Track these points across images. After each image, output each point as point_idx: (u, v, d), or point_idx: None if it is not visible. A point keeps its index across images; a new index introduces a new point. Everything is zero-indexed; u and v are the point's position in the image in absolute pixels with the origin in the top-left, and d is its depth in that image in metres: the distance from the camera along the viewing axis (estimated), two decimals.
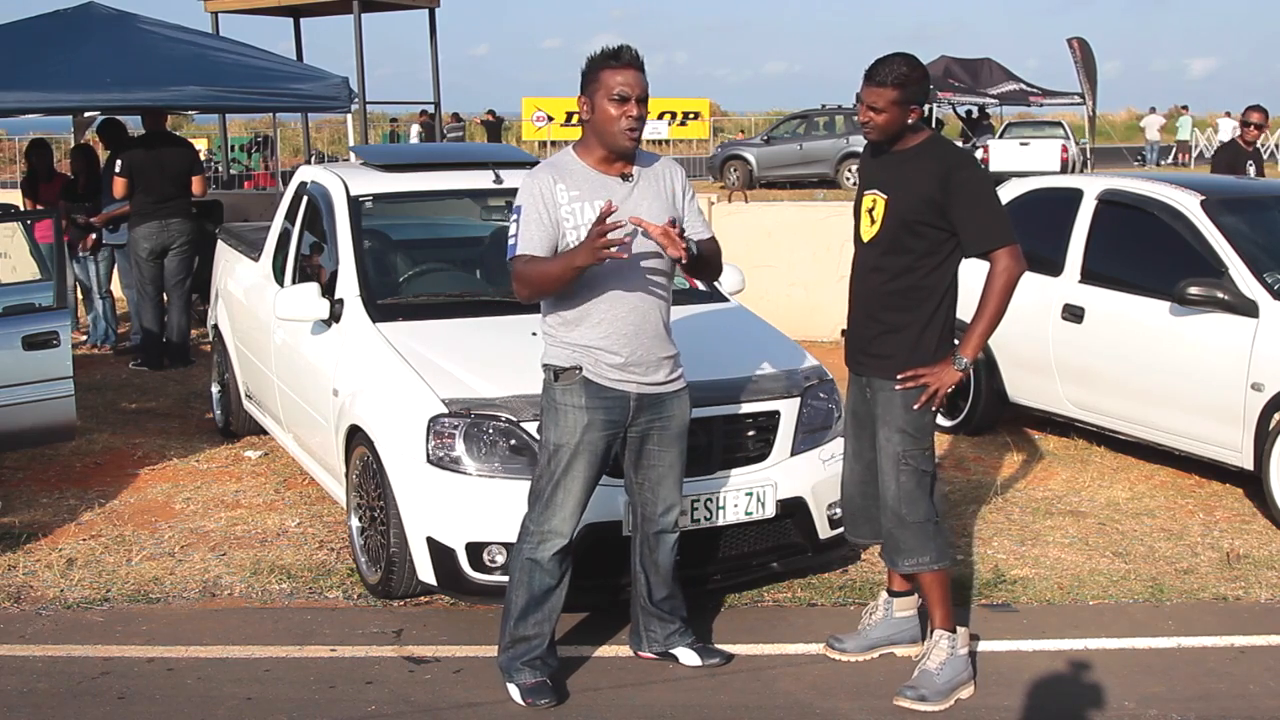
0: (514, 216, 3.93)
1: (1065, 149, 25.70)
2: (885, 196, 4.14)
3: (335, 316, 5.45)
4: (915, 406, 4.12)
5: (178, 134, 10.11)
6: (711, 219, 10.85)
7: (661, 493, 4.19)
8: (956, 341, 4.18)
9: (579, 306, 3.95)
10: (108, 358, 9.98)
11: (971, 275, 4.31)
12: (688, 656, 4.38)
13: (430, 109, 19.16)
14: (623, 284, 3.93)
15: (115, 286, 10.50)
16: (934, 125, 27.77)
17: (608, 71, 3.87)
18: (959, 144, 26.02)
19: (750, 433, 4.83)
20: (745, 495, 4.68)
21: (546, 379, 4.05)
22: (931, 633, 4.24)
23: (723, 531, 4.72)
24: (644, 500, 4.21)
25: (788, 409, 4.88)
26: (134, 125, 10.16)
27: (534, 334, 5.06)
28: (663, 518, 4.22)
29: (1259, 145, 9.36)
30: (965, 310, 4.29)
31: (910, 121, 4.11)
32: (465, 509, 4.52)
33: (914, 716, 4.04)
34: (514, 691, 4.09)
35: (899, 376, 4.12)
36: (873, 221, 4.18)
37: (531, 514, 4.06)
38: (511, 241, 3.91)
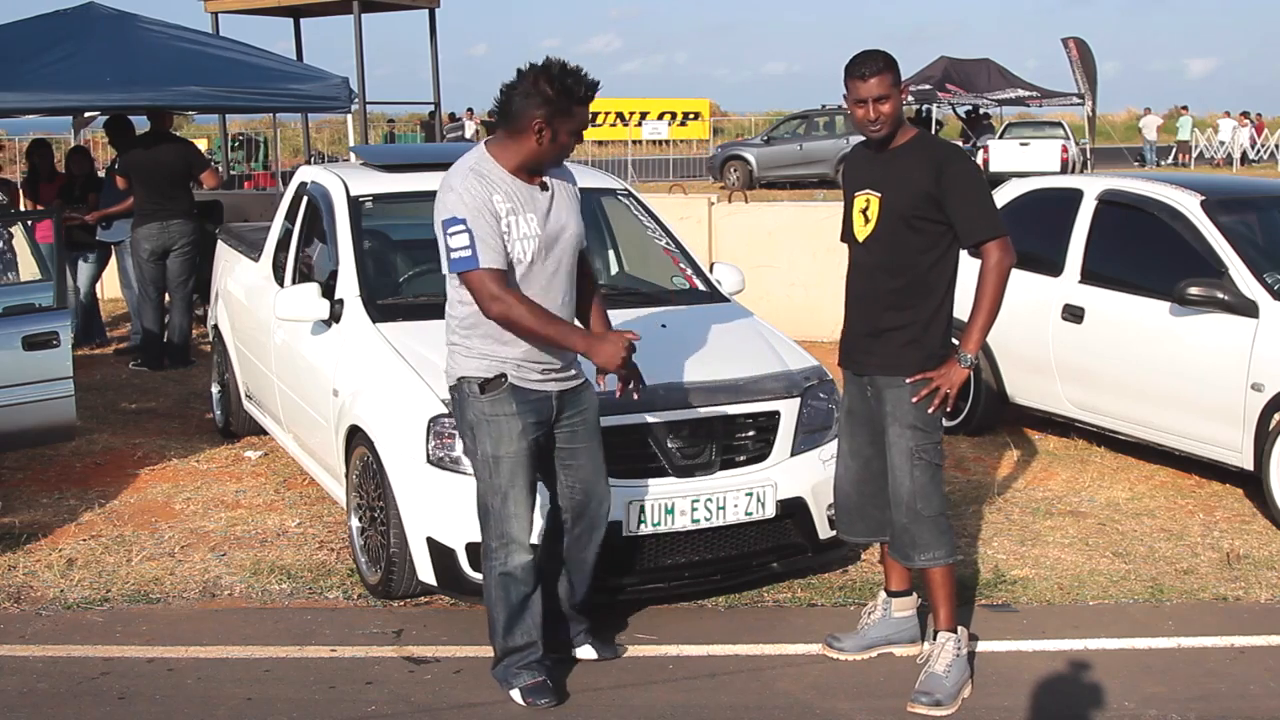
0: (457, 227, 3.79)
1: (1065, 149, 25.70)
2: (879, 195, 4.14)
3: (335, 317, 5.45)
4: (930, 410, 4.11)
5: (177, 134, 10.08)
6: (711, 219, 10.87)
7: (592, 487, 4.20)
8: (955, 341, 4.17)
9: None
10: (108, 357, 9.99)
11: (964, 270, 4.30)
12: (587, 652, 4.39)
13: (470, 109, 19.14)
14: (544, 299, 3.94)
15: (106, 288, 10.49)
16: (933, 126, 27.83)
17: (581, 108, 3.88)
18: (959, 143, 26.10)
19: (750, 433, 4.83)
20: (745, 495, 4.68)
21: (467, 393, 3.95)
22: (935, 635, 4.24)
23: (723, 531, 4.72)
24: (575, 501, 4.21)
25: (788, 409, 4.88)
26: (140, 125, 10.15)
27: None
28: (596, 510, 4.23)
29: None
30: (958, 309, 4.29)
31: (903, 105, 4.16)
32: (465, 509, 4.50)
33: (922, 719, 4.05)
34: (516, 695, 4.08)
35: (909, 381, 4.11)
36: (867, 221, 4.18)
37: (488, 532, 4.03)
38: (468, 254, 3.78)
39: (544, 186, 3.98)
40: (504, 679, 4.12)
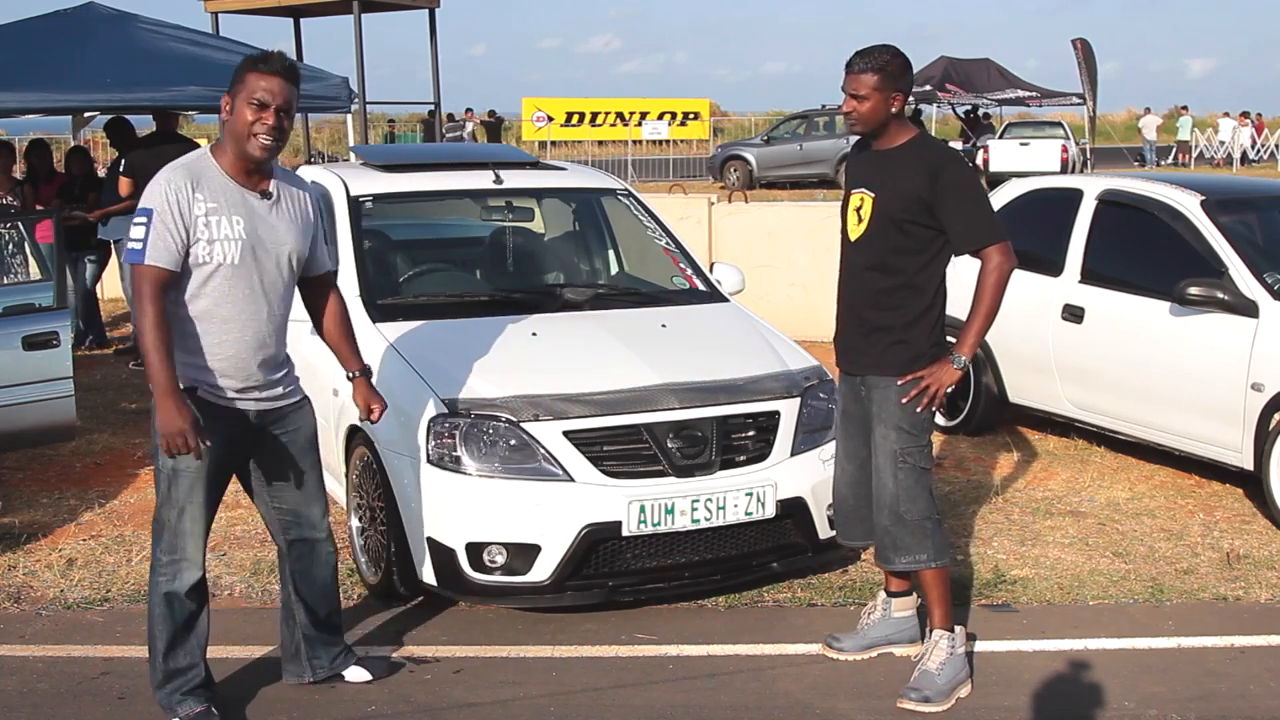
0: (141, 218, 3.66)
1: (1065, 149, 25.71)
2: (873, 195, 4.13)
3: None
4: (918, 410, 4.11)
5: (180, 134, 10.09)
6: (711, 219, 10.87)
7: (306, 506, 4.05)
8: (951, 340, 4.16)
9: (196, 329, 3.75)
10: (108, 358, 9.99)
11: (963, 272, 4.30)
12: (357, 674, 4.25)
13: (470, 109, 19.10)
14: (247, 309, 3.78)
15: (105, 287, 10.49)
16: (932, 126, 27.85)
17: (254, 75, 3.71)
18: (959, 144, 26.13)
19: (750, 433, 4.83)
20: (745, 495, 4.68)
21: (155, 400, 3.72)
22: (930, 632, 4.24)
23: (723, 531, 4.71)
24: (286, 524, 4.06)
25: (788, 409, 4.88)
26: (143, 125, 10.16)
27: (534, 334, 5.10)
28: (316, 529, 4.08)
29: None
30: (956, 308, 4.28)
31: (894, 110, 4.10)
32: (465, 509, 4.52)
33: (917, 718, 4.04)
34: None
35: (899, 384, 4.11)
36: (860, 220, 4.18)
37: (160, 545, 3.84)
38: (138, 246, 3.64)
39: (266, 194, 3.80)
40: (166, 705, 3.91)
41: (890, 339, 4.13)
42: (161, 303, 3.67)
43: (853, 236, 4.22)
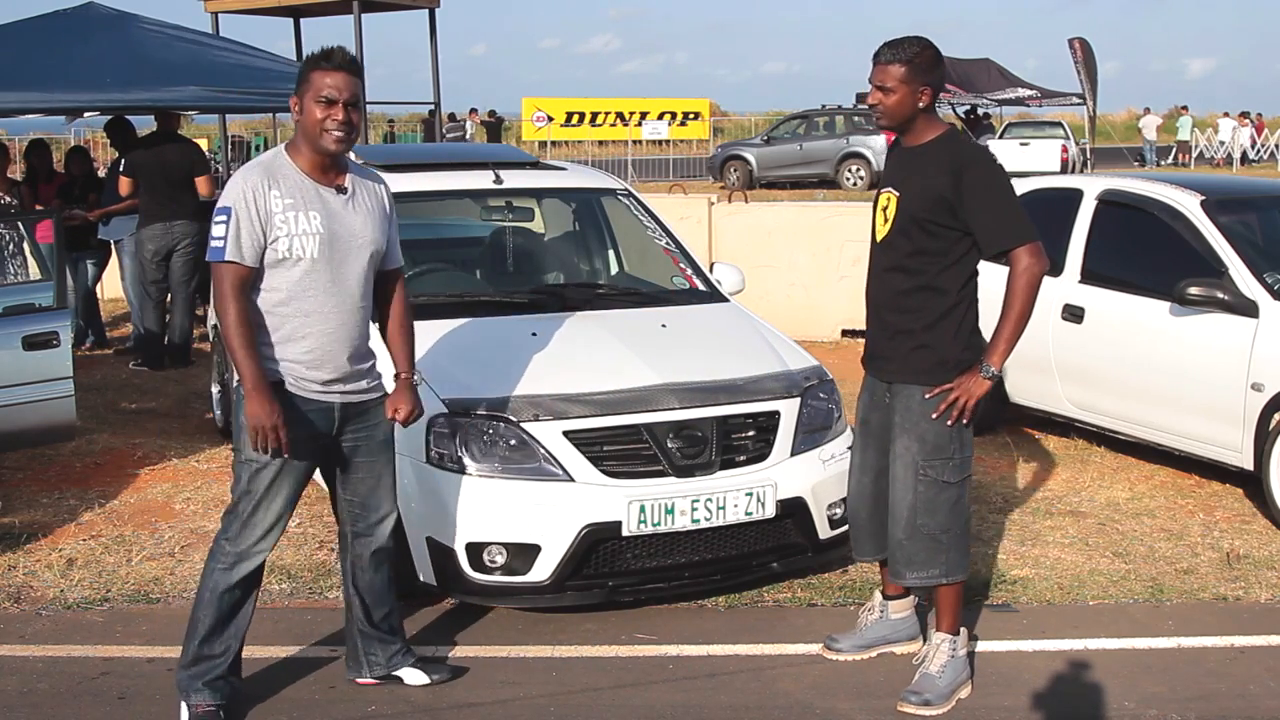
0: (220, 217, 3.71)
1: (1065, 149, 25.74)
2: (898, 194, 4.03)
3: None
4: (949, 423, 3.97)
5: (181, 134, 10.08)
6: (711, 219, 10.87)
7: (374, 501, 4.06)
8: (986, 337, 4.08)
9: (282, 323, 3.79)
10: (108, 358, 9.99)
11: (991, 280, 4.22)
12: (414, 677, 4.22)
13: (474, 109, 19.03)
14: (329, 302, 3.81)
15: (105, 287, 10.50)
16: None
17: (318, 73, 3.78)
18: None
19: (750, 433, 4.83)
20: (745, 495, 4.68)
21: (242, 394, 3.76)
22: (932, 634, 4.23)
23: (723, 531, 4.71)
24: (354, 515, 4.07)
25: (788, 409, 4.88)
26: (143, 125, 10.15)
27: (534, 334, 5.10)
28: (378, 528, 4.08)
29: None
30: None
31: (922, 105, 3.97)
32: (465, 509, 4.52)
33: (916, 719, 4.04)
34: (184, 713, 3.90)
35: (927, 397, 3.99)
36: (885, 220, 4.06)
37: (229, 533, 3.88)
38: (219, 244, 3.70)
39: (341, 189, 3.86)
40: (184, 687, 3.92)
41: (913, 343, 4.01)
42: (243, 299, 3.73)
43: (878, 237, 4.11)
